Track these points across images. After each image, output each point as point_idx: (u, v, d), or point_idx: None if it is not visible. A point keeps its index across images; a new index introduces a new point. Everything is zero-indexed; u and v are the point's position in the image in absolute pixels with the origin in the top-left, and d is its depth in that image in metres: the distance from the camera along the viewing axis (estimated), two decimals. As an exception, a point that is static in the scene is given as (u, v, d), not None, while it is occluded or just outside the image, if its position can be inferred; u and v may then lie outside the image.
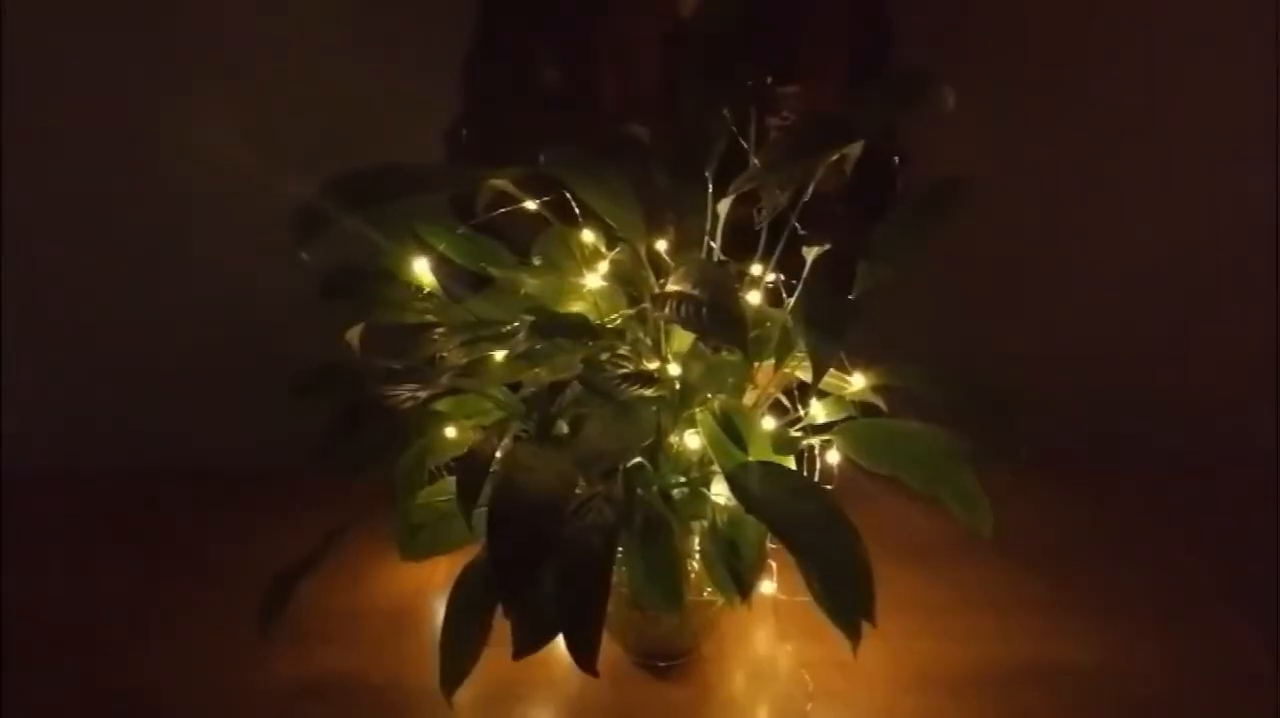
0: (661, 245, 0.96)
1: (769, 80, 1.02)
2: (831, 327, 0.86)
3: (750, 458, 0.88)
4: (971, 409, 0.95)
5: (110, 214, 1.47)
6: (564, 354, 0.88)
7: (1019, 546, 1.11)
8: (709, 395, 0.92)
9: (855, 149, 0.92)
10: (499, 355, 0.91)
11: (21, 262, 1.47)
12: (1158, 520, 1.29)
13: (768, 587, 1.02)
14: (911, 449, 0.93)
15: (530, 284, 0.98)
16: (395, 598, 1.14)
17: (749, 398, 0.96)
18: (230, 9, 1.39)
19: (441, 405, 0.95)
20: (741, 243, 0.96)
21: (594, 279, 0.97)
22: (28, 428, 1.51)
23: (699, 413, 0.92)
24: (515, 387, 0.96)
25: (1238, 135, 1.45)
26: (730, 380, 0.93)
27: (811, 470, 0.98)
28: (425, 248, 0.99)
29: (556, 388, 0.88)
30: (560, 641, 0.80)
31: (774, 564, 1.01)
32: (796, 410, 0.98)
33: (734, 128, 0.94)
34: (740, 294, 0.91)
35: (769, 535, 0.91)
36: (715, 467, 0.91)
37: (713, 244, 0.97)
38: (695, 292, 0.83)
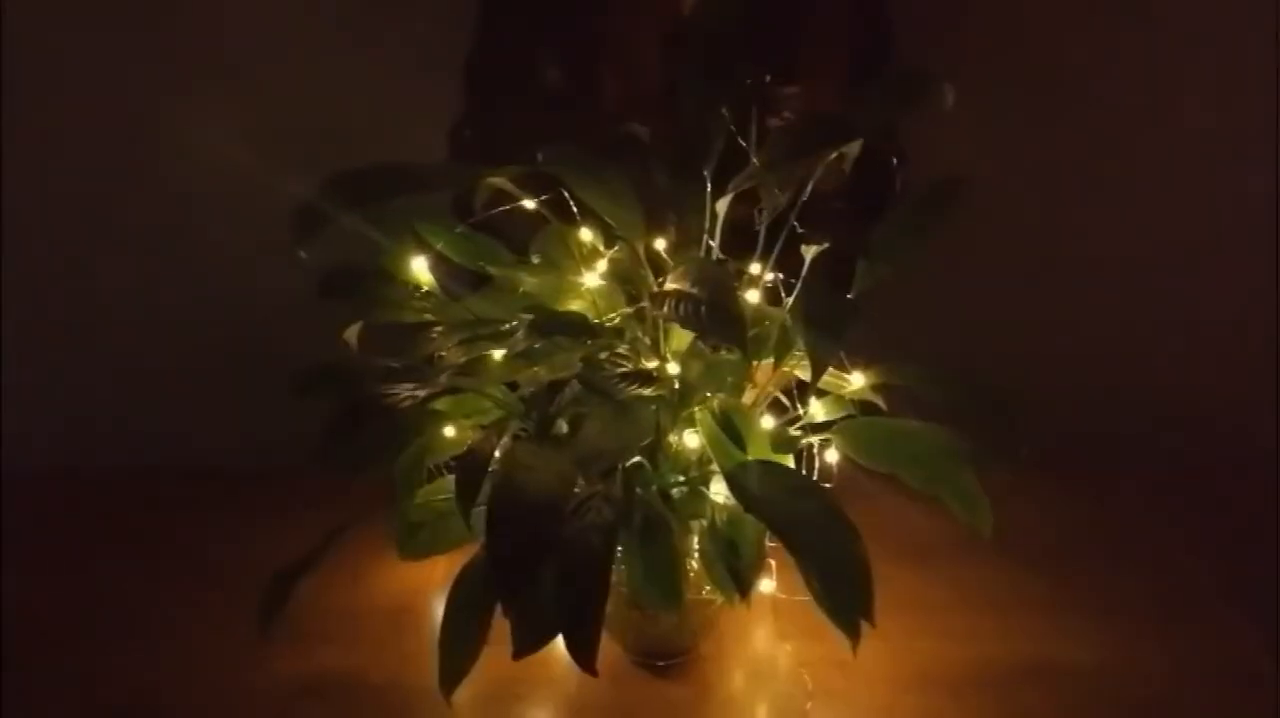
0: (660, 244, 0.96)
1: (768, 80, 1.02)
2: (830, 326, 0.86)
3: (749, 457, 0.89)
4: (971, 409, 0.95)
5: (110, 214, 1.47)
6: (563, 353, 0.88)
7: (1019, 545, 1.12)
8: (708, 394, 0.92)
9: (854, 148, 0.92)
10: (498, 354, 0.91)
11: (21, 262, 1.47)
12: (1158, 520, 1.29)
13: (767, 586, 1.02)
14: (911, 448, 0.93)
15: (529, 283, 0.98)
16: (395, 597, 1.14)
17: (748, 397, 0.96)
18: (230, 9, 1.38)
19: (440, 404, 0.95)
20: (741, 242, 0.96)
21: (593, 278, 0.97)
22: (28, 428, 1.51)
23: (698, 412, 0.92)
24: (514, 385, 0.96)
25: (1238, 135, 1.44)
26: (729, 379, 0.93)
27: (811, 469, 0.98)
28: (424, 247, 0.99)
29: (555, 387, 0.88)
30: (560, 640, 0.80)
31: (773, 563, 1.01)
32: (796, 409, 0.98)
33: (733, 127, 0.94)
34: (739, 293, 0.91)
35: (768, 534, 0.91)
36: (714, 466, 0.91)
37: (712, 243, 0.97)
38: (694, 290, 0.84)
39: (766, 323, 0.95)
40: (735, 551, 0.91)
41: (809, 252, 0.94)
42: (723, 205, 0.93)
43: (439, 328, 0.95)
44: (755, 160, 0.92)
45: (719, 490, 0.94)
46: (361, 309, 1.00)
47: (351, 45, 1.39)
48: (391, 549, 1.04)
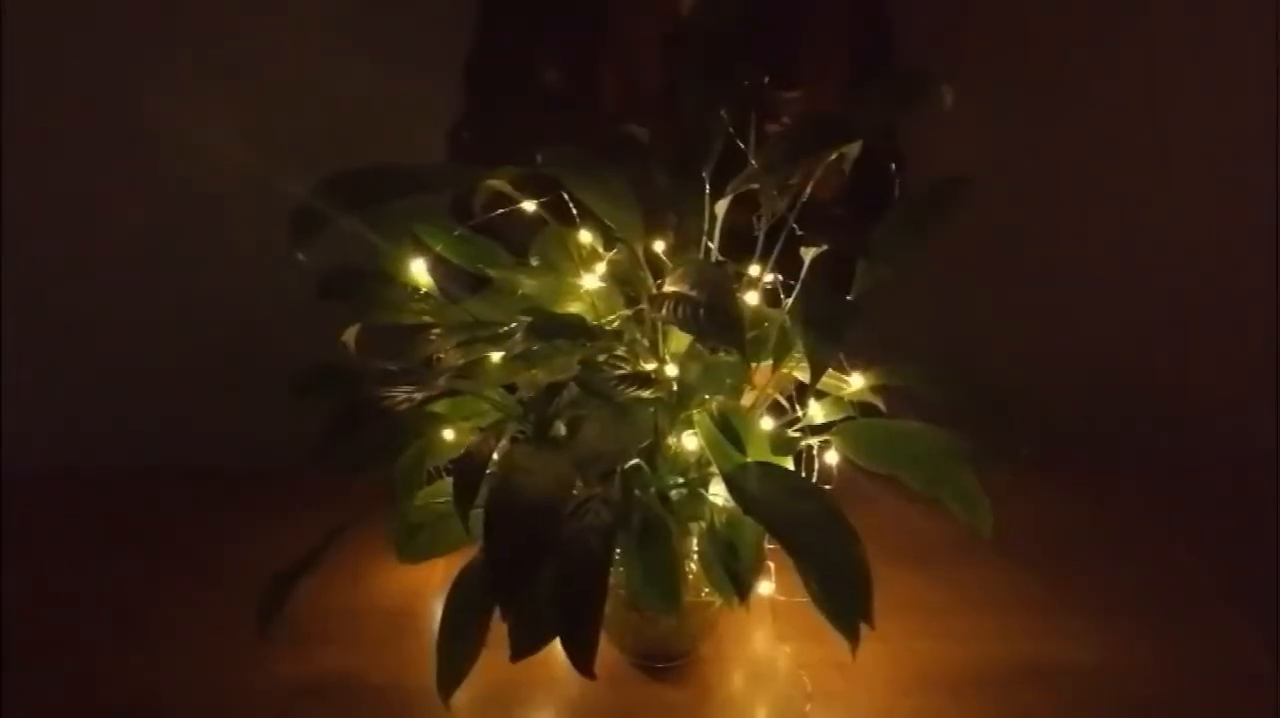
0: (659, 246, 0.96)
1: (767, 81, 1.02)
2: (830, 327, 0.86)
3: (748, 459, 0.88)
4: (971, 409, 0.95)
5: (110, 214, 1.47)
6: (561, 355, 0.88)
7: (1019, 546, 1.11)
8: (707, 396, 0.92)
9: (853, 149, 0.92)
10: (496, 357, 0.91)
11: (21, 262, 1.47)
12: (1158, 521, 1.29)
13: (766, 588, 1.02)
14: (911, 449, 0.93)
15: (528, 285, 0.98)
16: (395, 598, 1.14)
17: (747, 399, 0.96)
18: (230, 9, 1.38)
19: (439, 407, 0.95)
20: (739, 247, 0.96)
21: (592, 280, 0.96)
22: (28, 428, 1.51)
23: (697, 414, 0.92)
24: (513, 388, 0.96)
25: (1238, 135, 1.44)
26: (728, 381, 0.92)
27: (810, 471, 0.98)
28: (423, 249, 0.98)
29: (554, 389, 0.88)
30: (558, 642, 0.80)
31: (772, 565, 1.01)
32: (795, 411, 0.98)
33: (732, 129, 0.94)
34: (738, 295, 0.91)
35: (767, 536, 0.91)
36: (713, 468, 0.90)
37: (710, 245, 0.96)
38: (693, 292, 0.83)
39: (765, 325, 0.95)
40: (734, 553, 0.90)
41: (808, 253, 0.93)
42: (722, 207, 0.93)
43: (437, 330, 0.95)
44: (754, 162, 0.91)
45: (718, 492, 0.94)
46: (360, 311, 1.00)
47: (351, 45, 1.39)
48: (391, 550, 1.04)
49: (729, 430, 0.90)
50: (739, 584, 0.89)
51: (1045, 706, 1.01)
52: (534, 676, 0.98)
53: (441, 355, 0.94)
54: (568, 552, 0.80)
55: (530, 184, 0.94)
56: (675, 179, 0.96)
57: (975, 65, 1.35)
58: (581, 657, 0.79)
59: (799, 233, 0.94)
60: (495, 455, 0.86)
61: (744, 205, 0.93)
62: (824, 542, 0.82)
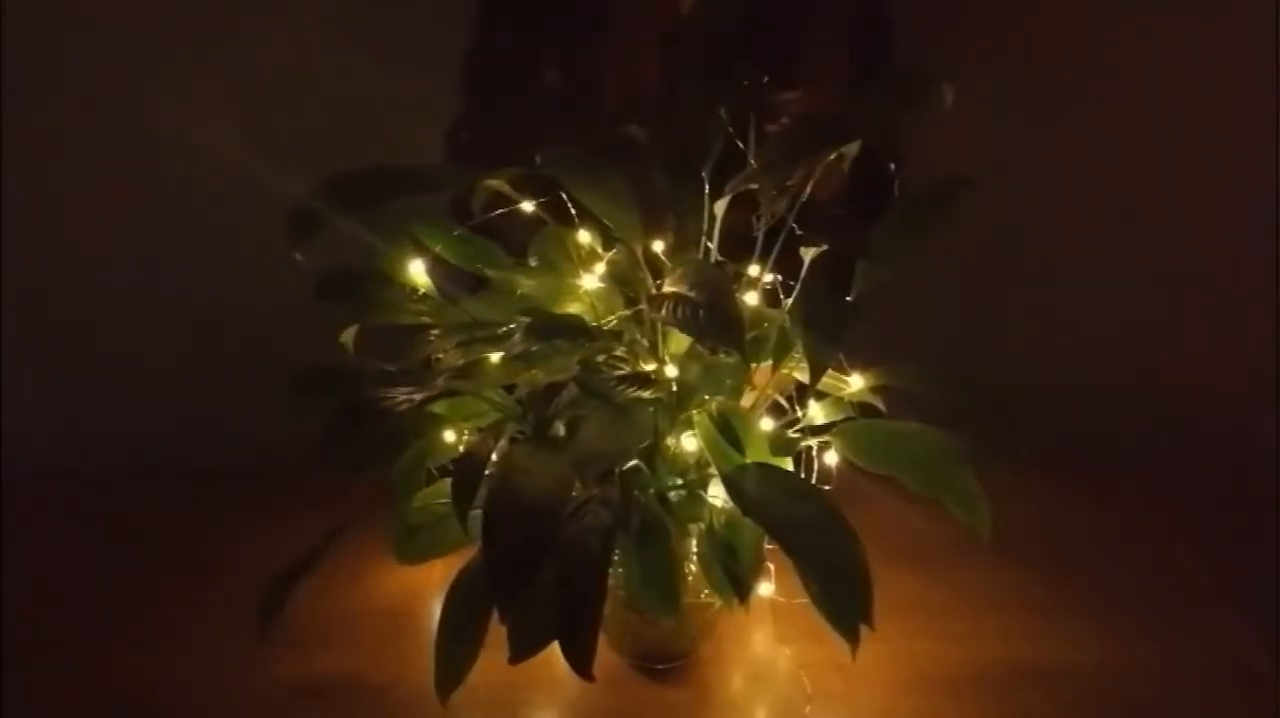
0: (659, 246, 0.96)
1: (766, 81, 1.02)
2: (829, 328, 0.86)
3: (748, 460, 0.88)
4: (971, 409, 0.95)
5: (110, 214, 1.47)
6: (560, 356, 0.88)
7: (1019, 546, 1.11)
8: (706, 397, 0.92)
9: (852, 149, 0.92)
10: (495, 357, 0.91)
11: (21, 262, 1.47)
12: (1158, 521, 1.29)
13: (765, 589, 1.02)
14: (910, 450, 0.93)
15: (526, 285, 0.98)
16: (394, 599, 1.14)
17: (746, 399, 0.96)
18: (230, 9, 1.38)
19: (438, 407, 0.95)
20: (739, 248, 0.96)
21: (591, 280, 0.96)
22: (28, 428, 1.51)
23: (696, 415, 0.92)
24: (512, 388, 0.96)
25: (1238, 135, 1.44)
26: (727, 382, 0.92)
27: (809, 472, 0.98)
28: (421, 249, 0.98)
29: (553, 390, 0.88)
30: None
31: (772, 566, 1.01)
32: (794, 412, 0.98)
33: (731, 129, 0.94)
34: (737, 295, 0.91)
35: (766, 538, 0.91)
36: (712, 469, 0.90)
37: (710, 245, 0.96)
38: (692, 293, 0.83)
39: (765, 325, 0.95)
40: (733, 554, 0.90)
41: (807, 254, 0.93)
42: (721, 207, 0.93)
43: (436, 331, 0.95)
44: (753, 162, 0.91)
45: (717, 494, 0.94)
46: (359, 311, 1.00)
47: (351, 46, 1.38)
48: (390, 551, 1.04)
49: (728, 431, 0.90)
50: (738, 586, 0.89)
51: (1045, 706, 1.01)
52: (533, 677, 0.98)
53: (440, 356, 0.94)
54: (567, 553, 0.80)
55: (529, 184, 0.94)
56: (674, 179, 0.96)
57: (975, 65, 1.35)
58: (580, 659, 0.79)
59: (798, 233, 0.94)
60: (494, 456, 0.86)
61: (743, 205, 0.93)
62: (823, 543, 0.82)
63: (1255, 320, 1.51)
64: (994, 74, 1.37)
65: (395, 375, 0.92)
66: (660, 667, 1.05)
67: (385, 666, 1.05)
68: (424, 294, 0.99)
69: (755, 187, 0.91)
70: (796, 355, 0.91)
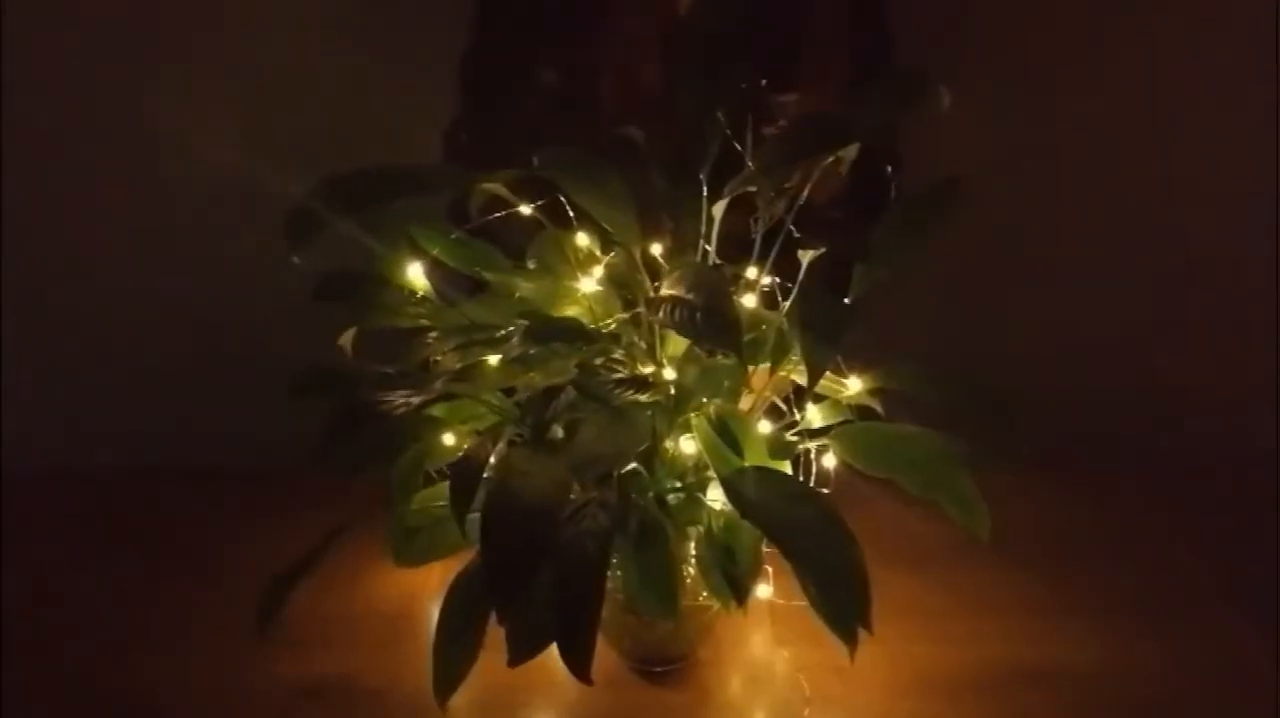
0: (656, 249, 0.96)
1: (764, 83, 1.02)
2: (827, 330, 0.86)
3: (746, 463, 0.88)
4: (971, 409, 0.95)
5: (110, 214, 1.47)
6: (558, 359, 0.88)
7: (1018, 547, 1.11)
8: (704, 400, 0.92)
9: (851, 152, 0.91)
10: (493, 360, 0.91)
11: (21, 262, 1.47)
12: (1158, 521, 1.29)
13: (764, 592, 1.02)
14: (909, 453, 0.93)
15: (524, 288, 0.97)
16: (393, 602, 1.14)
17: (745, 402, 0.96)
18: (229, 10, 1.38)
19: (436, 410, 0.95)
20: (737, 251, 0.96)
21: (588, 283, 0.96)
22: (28, 428, 1.51)
23: (694, 418, 0.92)
24: (510, 391, 0.96)
25: (1238, 135, 1.44)
26: (725, 385, 0.92)
27: (808, 475, 0.98)
28: (419, 252, 0.98)
29: (551, 392, 0.88)
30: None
31: (770, 569, 1.01)
32: (792, 414, 0.98)
33: (729, 131, 0.94)
34: (735, 298, 0.90)
35: (764, 540, 0.91)
36: (710, 472, 0.90)
37: (708, 248, 0.96)
38: (689, 296, 0.83)
39: (763, 328, 0.95)
40: (732, 557, 0.90)
41: (805, 256, 0.93)
42: (719, 210, 0.93)
43: (434, 333, 0.94)
44: (751, 164, 0.91)
45: (715, 497, 0.93)
46: (358, 313, 0.99)
47: (350, 45, 1.38)
48: (389, 553, 1.04)
49: (726, 434, 0.90)
50: (737, 588, 0.89)
51: (1045, 707, 1.01)
52: (531, 679, 0.98)
53: (439, 359, 0.94)
54: (565, 556, 0.80)
55: (527, 187, 0.94)
56: (672, 182, 0.95)
57: (975, 65, 1.35)
58: (577, 662, 0.79)
59: (796, 235, 0.94)
60: (492, 459, 0.86)
61: (741, 208, 0.93)
62: (822, 546, 0.82)
63: (1255, 320, 1.51)
64: (994, 74, 1.37)
65: (394, 378, 0.92)
66: (658, 669, 1.05)
67: (384, 667, 1.06)
68: (422, 297, 0.99)
69: (753, 189, 0.90)
70: (794, 358, 0.91)
